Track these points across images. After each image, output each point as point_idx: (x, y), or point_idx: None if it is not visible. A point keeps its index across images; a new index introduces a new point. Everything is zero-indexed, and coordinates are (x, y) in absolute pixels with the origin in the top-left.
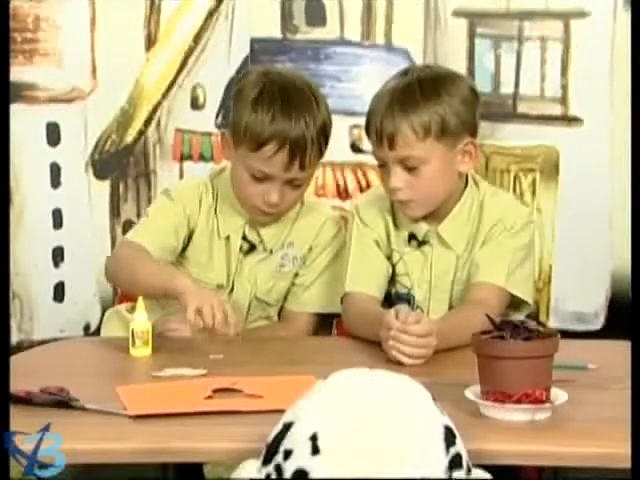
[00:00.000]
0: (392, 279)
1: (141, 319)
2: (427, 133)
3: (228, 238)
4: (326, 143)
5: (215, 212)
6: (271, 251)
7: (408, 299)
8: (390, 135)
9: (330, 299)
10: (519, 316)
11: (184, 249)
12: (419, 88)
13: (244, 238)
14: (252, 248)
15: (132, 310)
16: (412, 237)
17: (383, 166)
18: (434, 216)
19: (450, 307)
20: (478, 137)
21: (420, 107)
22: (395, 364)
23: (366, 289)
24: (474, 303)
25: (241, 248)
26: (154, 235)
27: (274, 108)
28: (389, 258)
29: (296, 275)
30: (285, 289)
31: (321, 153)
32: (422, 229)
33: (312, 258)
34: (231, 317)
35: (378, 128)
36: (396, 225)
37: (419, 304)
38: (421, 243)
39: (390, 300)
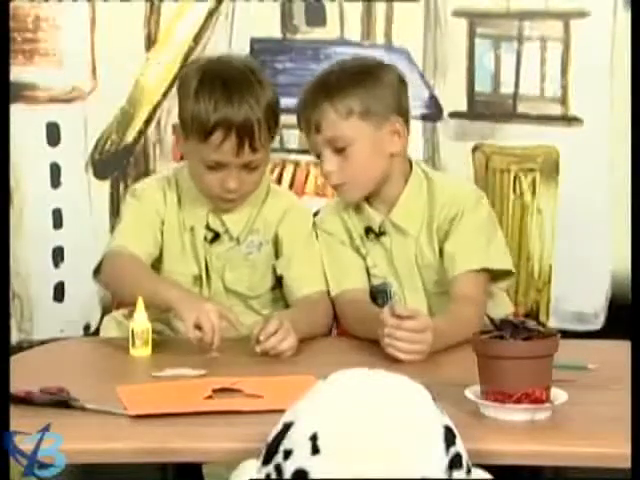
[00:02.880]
0: (367, 274)
1: (141, 319)
2: (350, 112)
3: (192, 229)
4: (276, 123)
5: (179, 205)
6: (238, 240)
7: (385, 290)
8: (315, 119)
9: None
10: (503, 286)
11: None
12: (342, 74)
13: (208, 227)
14: (216, 237)
15: (129, 316)
16: (369, 230)
17: (318, 156)
18: (383, 202)
19: (427, 295)
20: (409, 120)
21: (342, 90)
22: (395, 364)
23: (350, 284)
24: (460, 299)
25: (205, 238)
26: (137, 237)
27: (215, 96)
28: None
29: (274, 266)
30: (255, 278)
31: (271, 133)
32: (376, 220)
33: (291, 250)
34: (232, 316)
35: (304, 114)
36: (355, 221)
37: (396, 292)
38: (378, 235)
39: (371, 294)
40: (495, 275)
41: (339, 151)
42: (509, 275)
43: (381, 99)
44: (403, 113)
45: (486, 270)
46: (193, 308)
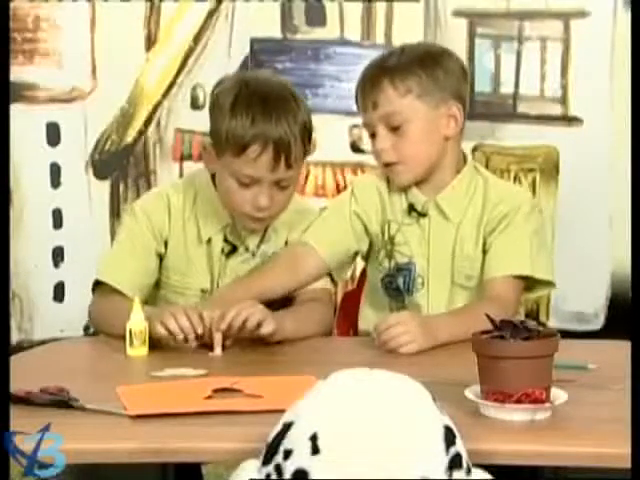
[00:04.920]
0: (390, 252)
1: (138, 319)
2: (408, 91)
3: (209, 241)
4: (309, 141)
5: (195, 216)
6: (253, 253)
7: (409, 269)
8: (373, 96)
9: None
10: (533, 296)
11: (162, 259)
12: (404, 56)
13: (226, 240)
14: (234, 249)
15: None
16: (412, 208)
17: (373, 136)
18: (432, 187)
19: (452, 284)
20: (465, 109)
21: (402, 70)
22: (395, 364)
23: (319, 247)
24: (491, 299)
25: (222, 250)
26: (122, 270)
27: (253, 111)
28: (382, 231)
29: None
30: None
31: (305, 151)
32: (420, 199)
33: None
34: (204, 315)
35: (363, 92)
36: (394, 196)
37: (420, 274)
38: (420, 215)
39: (390, 274)
40: (533, 284)
41: (394, 129)
42: (548, 286)
43: (441, 84)
44: (461, 100)
45: (526, 278)
46: (159, 314)
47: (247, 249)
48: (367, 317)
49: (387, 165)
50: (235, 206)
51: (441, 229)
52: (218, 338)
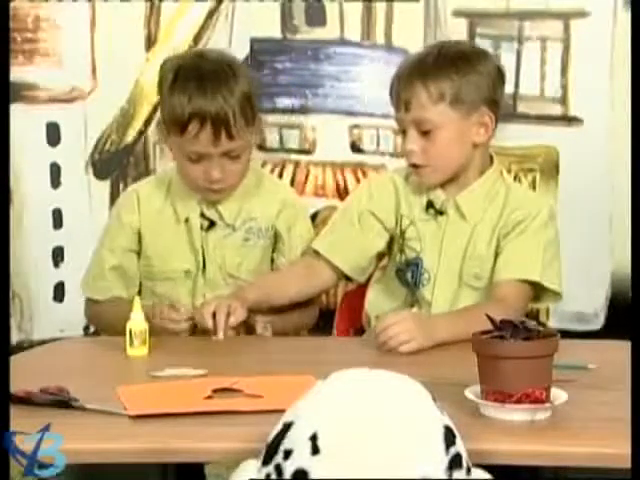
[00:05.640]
0: (401, 246)
1: (138, 319)
2: (441, 97)
3: (187, 220)
4: (253, 112)
5: (171, 200)
6: (234, 227)
7: (417, 263)
8: (406, 97)
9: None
10: (540, 306)
11: (139, 253)
12: (440, 56)
13: (202, 216)
14: (212, 224)
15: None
16: (430, 205)
17: (404, 132)
18: (453, 186)
19: (459, 284)
20: (499, 111)
21: (437, 73)
22: (395, 364)
23: (332, 257)
24: (496, 301)
25: (202, 226)
26: (107, 280)
27: (189, 88)
28: (396, 224)
29: (272, 254)
30: (255, 263)
31: (248, 121)
32: (440, 197)
33: (289, 245)
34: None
35: (397, 90)
36: (413, 192)
37: (427, 269)
38: (438, 213)
39: (399, 268)
40: (540, 294)
41: (424, 133)
42: (555, 297)
43: (475, 87)
44: (494, 105)
45: (533, 285)
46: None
47: (227, 225)
48: (377, 304)
49: (414, 166)
50: (190, 180)
51: (457, 228)
52: (222, 322)
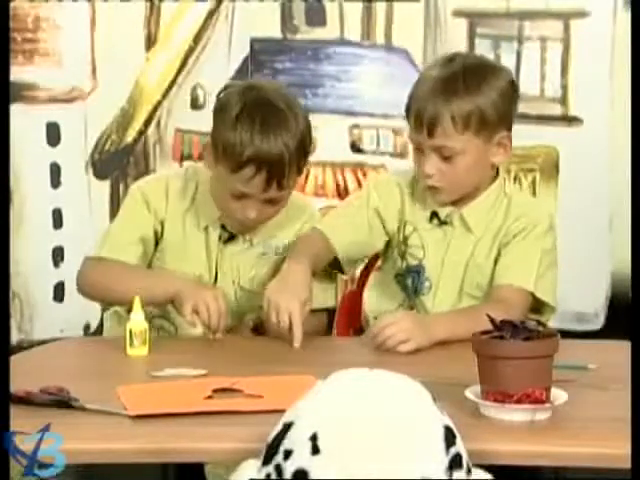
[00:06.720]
0: (403, 253)
1: (138, 319)
2: (467, 127)
3: (207, 228)
4: (305, 158)
5: (196, 205)
6: (251, 242)
7: (418, 271)
8: (430, 123)
9: (324, 295)
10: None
11: (157, 243)
12: (463, 77)
13: (223, 227)
14: (231, 238)
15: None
16: (434, 215)
17: (418, 149)
18: (460, 199)
19: (460, 293)
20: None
21: (462, 98)
22: (395, 364)
23: (332, 236)
24: (495, 302)
25: (220, 237)
26: (121, 248)
27: (253, 129)
28: (398, 229)
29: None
30: (268, 276)
31: (299, 170)
32: (445, 210)
33: None
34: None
35: (419, 113)
36: (417, 201)
37: (429, 276)
38: (442, 223)
39: (399, 274)
40: (540, 307)
41: (445, 158)
42: (549, 310)
43: (495, 109)
44: (510, 124)
45: (532, 294)
46: (192, 295)
47: (245, 240)
48: (375, 306)
49: (431, 187)
50: (223, 208)
51: (462, 239)
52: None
